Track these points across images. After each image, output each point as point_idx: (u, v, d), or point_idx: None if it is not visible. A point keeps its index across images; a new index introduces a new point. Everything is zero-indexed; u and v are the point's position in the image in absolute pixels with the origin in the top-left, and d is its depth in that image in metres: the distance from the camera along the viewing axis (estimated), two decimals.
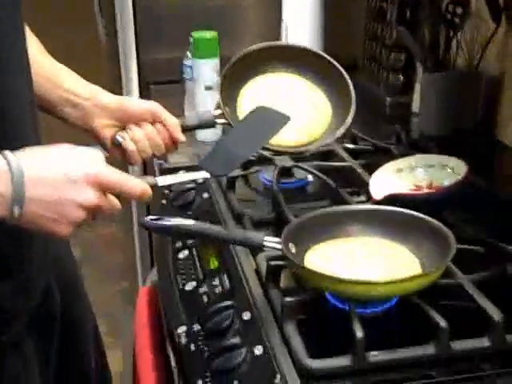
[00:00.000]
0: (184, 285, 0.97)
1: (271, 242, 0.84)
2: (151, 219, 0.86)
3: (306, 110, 1.11)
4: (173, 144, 0.96)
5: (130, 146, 0.92)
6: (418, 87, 1.58)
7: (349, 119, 1.08)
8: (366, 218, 0.91)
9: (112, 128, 0.94)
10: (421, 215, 0.89)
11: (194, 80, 1.45)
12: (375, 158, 1.27)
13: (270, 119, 0.96)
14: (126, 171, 1.73)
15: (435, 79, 1.44)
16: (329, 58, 1.13)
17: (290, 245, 0.86)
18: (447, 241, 0.83)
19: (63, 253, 1.00)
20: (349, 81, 1.11)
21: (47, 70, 0.92)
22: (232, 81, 1.09)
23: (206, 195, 1.19)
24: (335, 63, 1.13)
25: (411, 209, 0.92)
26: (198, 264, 1.00)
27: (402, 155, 1.19)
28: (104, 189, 0.74)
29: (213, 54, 1.46)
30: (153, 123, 0.94)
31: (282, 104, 1.03)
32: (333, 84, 1.12)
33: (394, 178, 1.09)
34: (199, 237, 0.94)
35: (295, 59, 1.13)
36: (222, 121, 1.04)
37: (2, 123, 0.75)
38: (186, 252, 1.04)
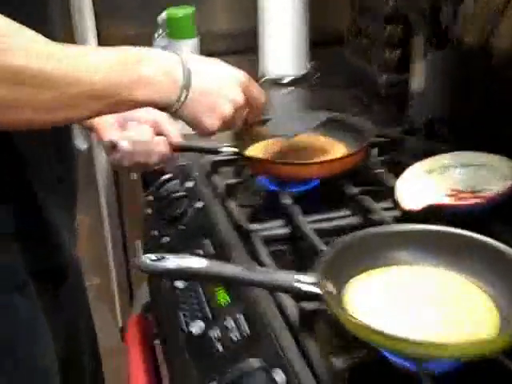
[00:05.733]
0: (188, 325, 0.79)
1: (305, 283, 0.67)
2: (151, 259, 0.67)
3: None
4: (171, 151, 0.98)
5: (123, 143, 0.96)
6: (418, 65, 1.42)
7: None
8: (418, 242, 0.73)
9: (114, 130, 0.97)
10: (496, 243, 0.70)
11: None
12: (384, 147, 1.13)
13: None
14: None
15: (440, 56, 1.28)
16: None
17: (327, 282, 0.69)
18: None
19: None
20: None
21: None
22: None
23: (199, 205, 1.01)
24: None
25: (455, 223, 0.75)
26: (203, 298, 0.82)
27: (425, 150, 1.03)
28: (248, 94, 0.85)
29: (190, 34, 1.28)
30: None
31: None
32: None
33: (424, 182, 0.93)
34: (214, 280, 0.75)
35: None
36: (228, 149, 1.03)
37: None
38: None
